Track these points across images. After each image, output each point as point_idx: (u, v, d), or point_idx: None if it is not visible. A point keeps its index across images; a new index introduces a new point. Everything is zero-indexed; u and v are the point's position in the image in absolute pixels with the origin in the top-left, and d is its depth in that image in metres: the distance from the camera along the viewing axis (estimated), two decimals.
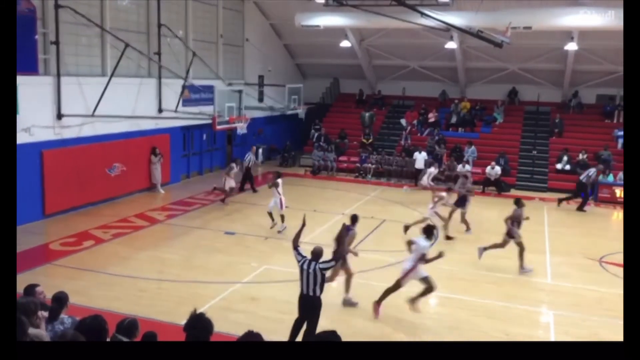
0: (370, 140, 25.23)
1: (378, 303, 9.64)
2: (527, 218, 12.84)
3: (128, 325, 5.01)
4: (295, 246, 8.47)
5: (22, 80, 12.41)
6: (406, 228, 14.48)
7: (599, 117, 24.87)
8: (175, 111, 18.99)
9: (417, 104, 27.19)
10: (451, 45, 23.42)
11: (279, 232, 14.49)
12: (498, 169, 21.41)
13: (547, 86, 26.15)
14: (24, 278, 8.24)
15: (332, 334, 4.16)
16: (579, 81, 25.52)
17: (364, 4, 19.25)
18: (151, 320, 8.58)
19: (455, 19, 18.41)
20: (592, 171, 19.45)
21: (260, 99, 24.93)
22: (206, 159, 23.00)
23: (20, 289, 6.08)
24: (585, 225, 17.08)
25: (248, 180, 19.75)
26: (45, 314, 5.83)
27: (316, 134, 26.31)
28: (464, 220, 15.45)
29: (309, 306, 8.08)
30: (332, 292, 11.28)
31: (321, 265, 8.10)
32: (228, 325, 8.12)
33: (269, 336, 8.42)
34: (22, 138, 13.75)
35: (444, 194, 15.15)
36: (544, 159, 23.50)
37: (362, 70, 28.18)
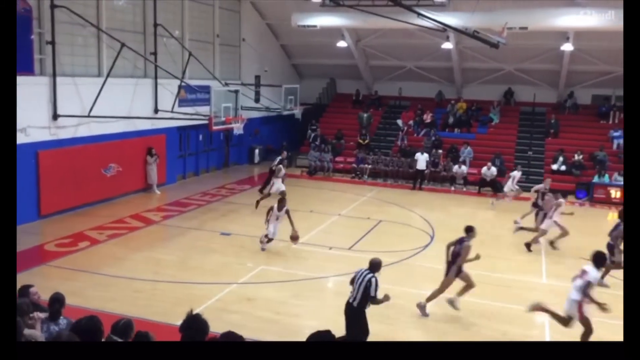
0: (367, 141, 25.25)
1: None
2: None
3: (123, 326, 4.99)
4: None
5: (17, 81, 12.20)
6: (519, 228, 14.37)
7: (594, 117, 24.93)
8: (172, 111, 18.92)
9: (414, 105, 27.17)
10: (447, 45, 23.44)
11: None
12: (494, 169, 21.55)
13: (542, 87, 26.20)
14: (19, 279, 8.09)
15: (327, 333, 4.14)
16: (575, 82, 25.60)
17: (361, 5, 19.25)
18: (147, 321, 8.57)
19: (451, 19, 18.42)
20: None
21: (257, 100, 24.90)
22: (202, 160, 22.95)
23: None
24: (580, 226, 17.11)
25: (266, 182, 19.03)
26: (42, 315, 5.82)
27: (313, 135, 26.27)
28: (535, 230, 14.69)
29: (347, 314, 8.22)
30: (329, 293, 11.31)
31: (372, 279, 8.02)
32: (224, 326, 7.95)
33: (264, 337, 8.48)
34: (17, 138, 13.66)
35: (562, 200, 14.33)
36: (540, 159, 23.56)
37: (359, 70, 28.19)
